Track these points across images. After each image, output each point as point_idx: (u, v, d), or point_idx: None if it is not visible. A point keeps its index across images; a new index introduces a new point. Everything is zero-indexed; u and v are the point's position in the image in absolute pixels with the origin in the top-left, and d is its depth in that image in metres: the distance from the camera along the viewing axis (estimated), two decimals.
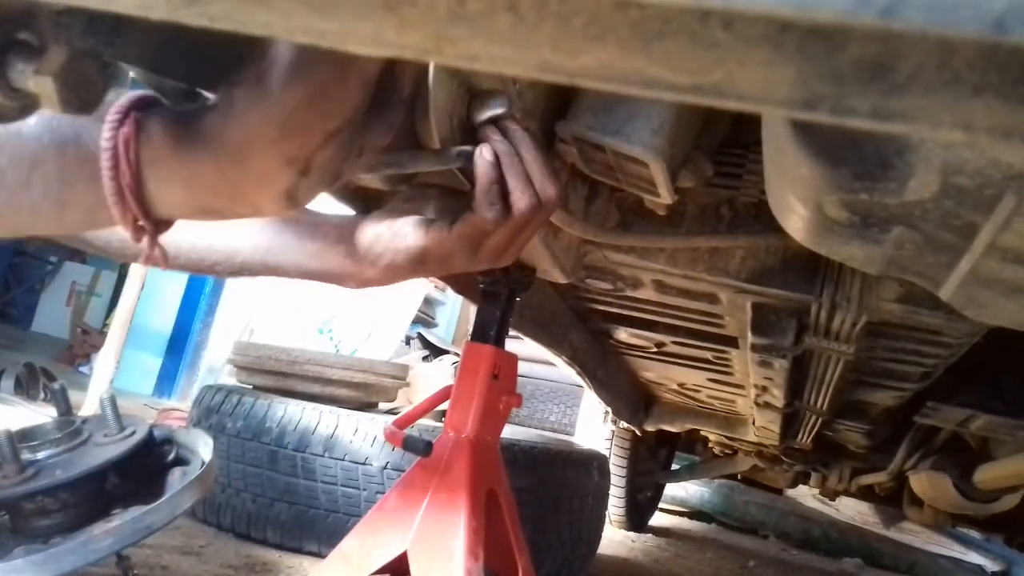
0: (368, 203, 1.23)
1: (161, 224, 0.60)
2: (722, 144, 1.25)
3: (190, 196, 0.58)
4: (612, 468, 3.52)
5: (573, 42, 0.27)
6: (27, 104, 0.49)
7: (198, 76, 0.63)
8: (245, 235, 0.93)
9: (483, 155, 0.85)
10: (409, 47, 0.30)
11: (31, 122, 0.56)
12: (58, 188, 0.58)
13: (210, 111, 0.56)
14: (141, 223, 0.58)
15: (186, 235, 0.92)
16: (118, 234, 0.64)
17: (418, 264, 0.92)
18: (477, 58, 0.29)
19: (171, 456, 1.59)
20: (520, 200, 0.85)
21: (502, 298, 1.48)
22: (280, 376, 2.74)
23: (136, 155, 0.55)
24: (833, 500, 4.33)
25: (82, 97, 0.48)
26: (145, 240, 0.59)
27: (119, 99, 0.57)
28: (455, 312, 8.34)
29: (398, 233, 0.91)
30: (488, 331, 1.49)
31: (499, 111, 0.88)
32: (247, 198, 0.58)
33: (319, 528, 2.24)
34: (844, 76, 0.24)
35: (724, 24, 0.24)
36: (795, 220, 0.82)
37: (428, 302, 7.16)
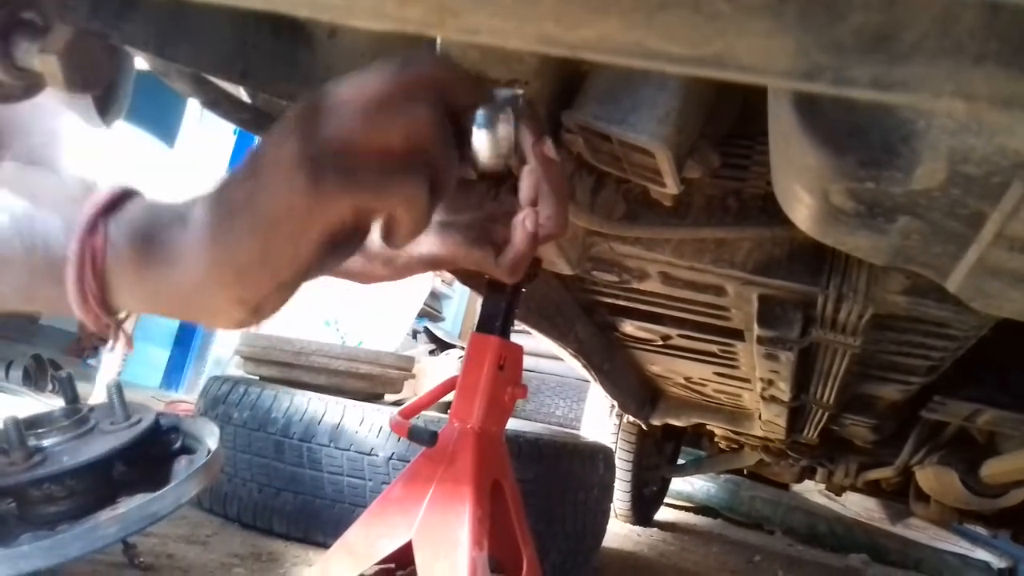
0: None
1: (123, 320, 0.63)
2: (728, 135, 1.25)
3: (150, 305, 0.61)
4: (618, 462, 3.52)
5: (575, 14, 0.27)
6: (32, 83, 0.49)
7: (203, 60, 0.64)
8: None
9: (526, 226, 0.83)
10: (411, 20, 0.29)
11: (4, 222, 0.57)
12: (27, 284, 0.60)
13: (178, 231, 0.57)
14: (105, 321, 0.60)
15: None
16: None
17: (431, 267, 0.91)
18: (479, 31, 0.29)
19: (177, 444, 1.60)
20: (545, 229, 0.85)
21: (508, 289, 1.48)
22: (286, 367, 2.74)
23: (101, 268, 0.57)
24: (839, 495, 4.32)
25: (86, 76, 0.48)
26: (110, 331, 0.62)
27: (92, 198, 0.57)
28: (461, 306, 8.34)
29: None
30: (494, 322, 1.49)
31: (508, 106, 0.86)
32: (201, 318, 0.62)
33: (325, 518, 2.25)
34: (845, 46, 0.24)
35: None
36: (801, 210, 0.82)
37: (434, 296, 7.17)
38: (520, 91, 0.85)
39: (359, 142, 0.53)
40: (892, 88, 0.24)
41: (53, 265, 0.57)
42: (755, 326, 1.50)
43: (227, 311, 0.60)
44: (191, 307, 0.60)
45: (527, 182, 0.84)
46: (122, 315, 0.62)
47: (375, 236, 0.92)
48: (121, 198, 0.58)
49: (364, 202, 0.55)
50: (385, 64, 0.53)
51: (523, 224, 0.84)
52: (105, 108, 1.21)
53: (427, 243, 0.89)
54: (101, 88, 0.50)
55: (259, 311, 0.60)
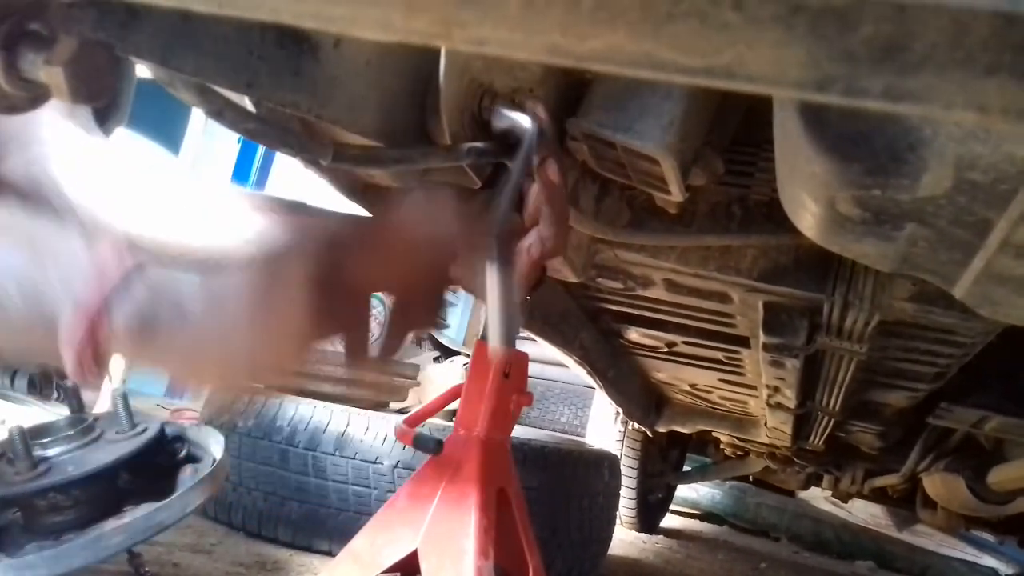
0: (377, 200, 1.23)
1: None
2: (733, 142, 1.25)
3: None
4: (623, 469, 3.51)
5: (582, 25, 0.27)
6: (38, 94, 0.49)
7: (208, 70, 0.64)
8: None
9: (531, 253, 0.87)
10: (417, 32, 0.29)
11: (12, 292, 0.60)
12: (26, 345, 0.65)
13: (174, 325, 0.62)
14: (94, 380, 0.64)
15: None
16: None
17: None
18: (486, 42, 0.29)
19: (182, 453, 1.60)
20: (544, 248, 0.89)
21: None
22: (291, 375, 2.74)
23: (100, 351, 0.61)
24: (846, 502, 4.31)
25: (92, 87, 0.48)
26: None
27: (98, 281, 0.60)
28: (466, 314, 8.33)
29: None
30: None
31: (523, 125, 0.87)
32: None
33: (330, 527, 2.24)
34: (856, 56, 0.24)
35: (735, 5, 0.24)
36: (807, 217, 0.82)
37: None
38: (537, 109, 0.86)
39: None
40: (904, 99, 0.24)
41: (54, 337, 0.60)
42: (761, 333, 1.49)
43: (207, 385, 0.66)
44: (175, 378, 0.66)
45: (531, 201, 0.85)
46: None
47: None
48: (127, 279, 0.61)
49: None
50: None
51: (528, 251, 0.87)
52: (105, 117, 1.21)
53: None
54: (106, 99, 0.50)
55: (242, 388, 0.67)
